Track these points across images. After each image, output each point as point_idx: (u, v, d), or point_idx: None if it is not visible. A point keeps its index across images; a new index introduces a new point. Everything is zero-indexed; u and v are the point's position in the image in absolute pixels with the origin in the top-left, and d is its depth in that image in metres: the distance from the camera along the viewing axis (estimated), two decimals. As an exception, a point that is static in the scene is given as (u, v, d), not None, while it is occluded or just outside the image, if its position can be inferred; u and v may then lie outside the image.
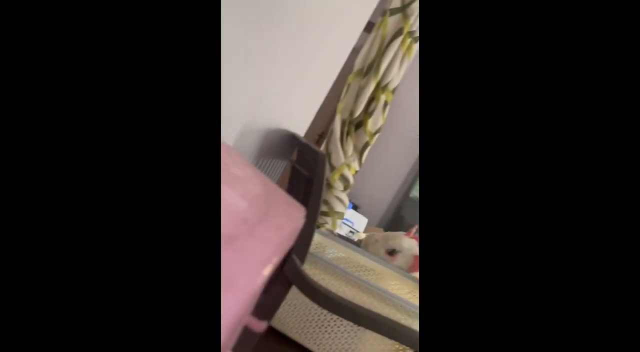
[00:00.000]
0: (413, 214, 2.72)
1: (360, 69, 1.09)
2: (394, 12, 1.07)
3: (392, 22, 1.09)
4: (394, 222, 2.77)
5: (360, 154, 1.12)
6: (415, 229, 1.17)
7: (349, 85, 1.09)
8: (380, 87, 1.11)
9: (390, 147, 3.03)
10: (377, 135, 1.14)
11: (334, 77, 1.20)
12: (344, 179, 1.08)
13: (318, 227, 1.08)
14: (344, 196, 1.10)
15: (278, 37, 0.75)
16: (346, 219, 1.90)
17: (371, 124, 1.11)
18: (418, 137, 2.78)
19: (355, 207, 2.75)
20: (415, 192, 2.74)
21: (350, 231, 2.00)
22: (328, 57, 1.13)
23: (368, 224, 2.69)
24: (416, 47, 1.17)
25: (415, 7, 1.12)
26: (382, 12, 1.11)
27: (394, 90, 1.15)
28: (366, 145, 1.11)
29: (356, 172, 1.13)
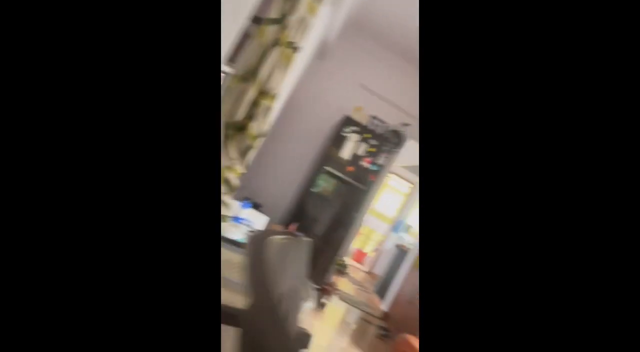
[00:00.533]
0: (316, 209, 2.90)
1: (240, 74, 1.11)
2: (270, 22, 1.13)
3: (270, 31, 1.14)
4: (297, 218, 2.90)
5: (244, 156, 1.15)
6: (293, 225, 1.25)
7: (228, 88, 1.10)
8: (261, 93, 1.15)
9: (290, 146, 3.14)
10: (261, 139, 1.18)
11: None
12: (226, 182, 1.10)
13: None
14: (229, 199, 1.11)
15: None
16: (243, 219, 1.91)
17: (254, 128, 1.15)
18: (318, 132, 2.82)
19: (256, 206, 2.76)
20: (316, 188, 2.92)
21: (250, 231, 2.01)
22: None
23: (270, 222, 2.74)
24: (296, 56, 1.25)
25: (294, 20, 1.20)
26: (257, 20, 1.15)
27: (275, 96, 1.21)
28: (248, 148, 1.15)
29: (241, 174, 1.15)
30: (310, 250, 0.65)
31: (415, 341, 2.21)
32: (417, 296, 2.86)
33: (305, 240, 0.58)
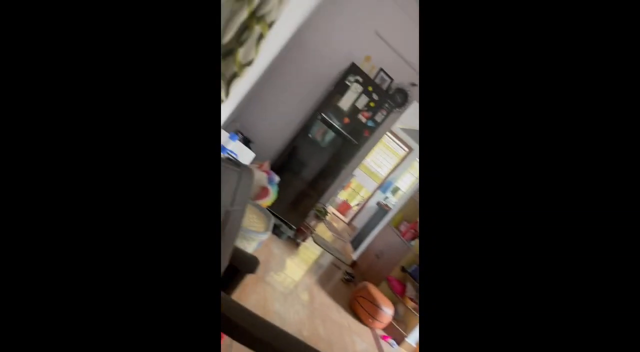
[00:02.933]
0: (307, 154, 2.91)
1: (234, -9, 1.02)
2: None
3: (274, -55, 1.02)
4: (287, 159, 2.93)
5: (228, 84, 1.11)
6: (266, 163, 1.27)
7: (222, 6, 1.02)
8: (255, 17, 1.07)
9: (291, 86, 3.03)
10: (247, 68, 1.13)
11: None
12: (206, 107, 1.07)
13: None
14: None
15: None
16: (230, 151, 1.92)
17: (242, 55, 1.09)
18: (322, 76, 2.74)
19: (246, 142, 2.76)
20: (311, 133, 2.89)
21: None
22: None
23: (256, 159, 2.77)
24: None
25: None
26: None
27: (271, 24, 1.13)
28: (234, 75, 1.10)
29: (223, 101, 1.12)
30: (248, 180, 0.66)
31: (372, 288, 2.40)
32: (383, 251, 3.03)
33: (239, 170, 0.58)
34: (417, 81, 3.13)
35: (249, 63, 1.11)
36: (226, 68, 1.09)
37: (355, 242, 4.17)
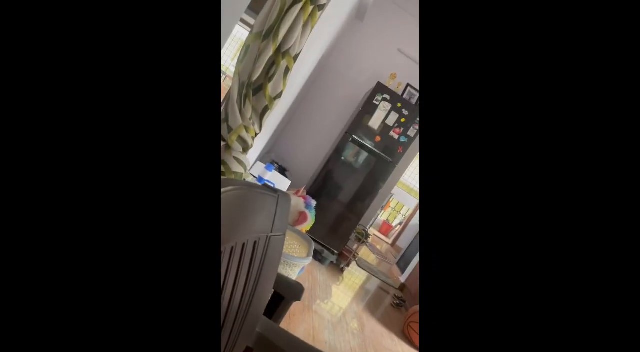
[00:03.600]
0: (342, 176, 2.91)
1: (260, 31, 1.10)
2: (293, -23, 1.08)
3: (292, -14, 1.10)
4: (322, 183, 2.95)
5: (260, 117, 1.17)
6: (302, 189, 1.29)
7: (247, 47, 1.10)
8: (280, 52, 1.13)
9: (321, 111, 3.11)
10: (277, 101, 1.18)
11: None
12: (242, 141, 1.13)
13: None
14: (243, 157, 1.15)
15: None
16: (267, 181, 1.98)
17: (271, 89, 1.15)
18: (350, 99, 2.79)
19: (282, 171, 2.83)
20: (344, 156, 2.91)
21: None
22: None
23: (292, 186, 2.82)
24: (320, 14, 1.20)
25: (318, -27, 1.14)
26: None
27: (296, 57, 1.19)
28: (266, 109, 1.16)
29: (256, 134, 1.18)
30: (285, 204, 0.66)
31: (425, 312, 2.24)
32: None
33: (276, 195, 0.59)
34: (447, 92, 3.07)
35: (279, 95, 1.16)
36: (257, 103, 1.15)
37: (402, 264, 3.99)
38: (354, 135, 2.83)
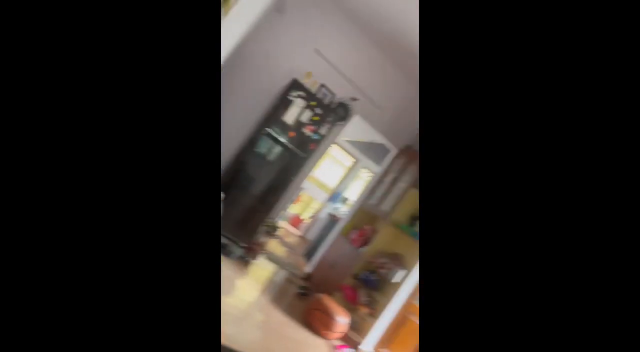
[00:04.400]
0: (255, 169, 2.87)
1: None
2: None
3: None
4: (232, 176, 2.85)
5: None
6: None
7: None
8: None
9: (235, 103, 3.00)
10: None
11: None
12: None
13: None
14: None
15: None
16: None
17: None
18: (265, 92, 2.74)
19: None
20: (259, 148, 2.87)
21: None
22: None
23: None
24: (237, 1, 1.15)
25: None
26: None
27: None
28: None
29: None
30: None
31: (326, 299, 2.41)
32: (336, 261, 3.08)
33: None
34: (357, 96, 3.31)
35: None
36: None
37: (308, 254, 4.18)
38: (268, 129, 2.82)
